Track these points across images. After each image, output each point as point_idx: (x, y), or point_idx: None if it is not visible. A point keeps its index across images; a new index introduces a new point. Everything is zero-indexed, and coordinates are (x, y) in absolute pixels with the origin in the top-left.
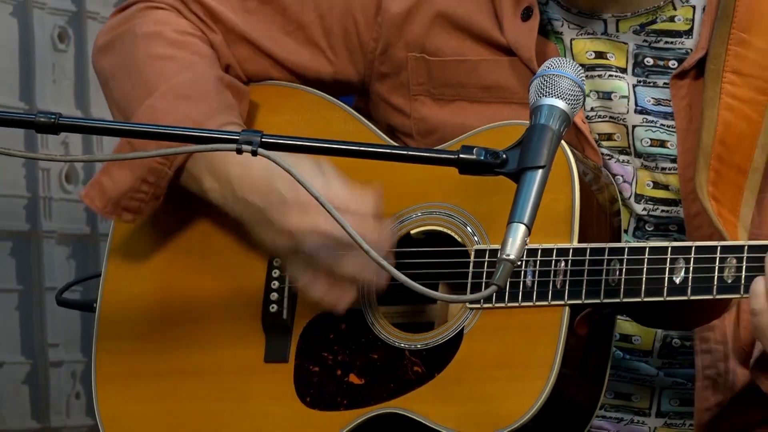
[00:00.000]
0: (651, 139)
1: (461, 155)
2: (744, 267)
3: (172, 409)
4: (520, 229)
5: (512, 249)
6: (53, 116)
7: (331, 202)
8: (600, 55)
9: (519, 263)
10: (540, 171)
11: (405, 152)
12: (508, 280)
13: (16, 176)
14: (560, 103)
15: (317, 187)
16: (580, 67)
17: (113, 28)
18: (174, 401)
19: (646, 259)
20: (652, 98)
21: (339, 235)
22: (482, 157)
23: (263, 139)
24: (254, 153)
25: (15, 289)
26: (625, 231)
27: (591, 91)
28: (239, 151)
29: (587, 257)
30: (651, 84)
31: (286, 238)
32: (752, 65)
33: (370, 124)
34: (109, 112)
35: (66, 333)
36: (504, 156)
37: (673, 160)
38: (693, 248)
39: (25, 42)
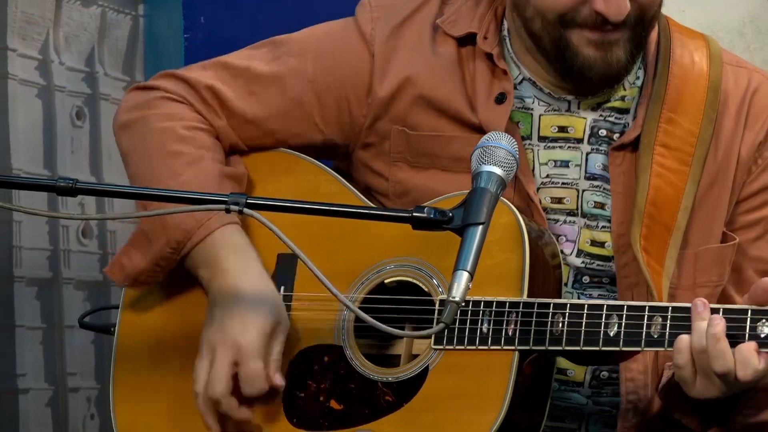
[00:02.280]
0: (595, 202)
1: (414, 213)
2: (668, 324)
3: (179, 423)
4: (464, 276)
5: (457, 292)
6: (71, 181)
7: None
8: (562, 129)
9: (476, 311)
10: (480, 226)
11: (369, 211)
12: (466, 324)
13: (40, 232)
14: (497, 170)
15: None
16: (513, 139)
17: (133, 108)
18: (181, 417)
19: (585, 314)
20: (601, 164)
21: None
22: (432, 215)
23: (248, 200)
24: (240, 212)
25: (39, 326)
26: (565, 284)
27: (549, 160)
28: (228, 210)
29: (535, 310)
30: (602, 152)
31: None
32: (678, 140)
33: (350, 186)
34: (118, 178)
35: (82, 364)
36: (450, 214)
37: (608, 220)
38: (625, 306)
39: (48, 119)
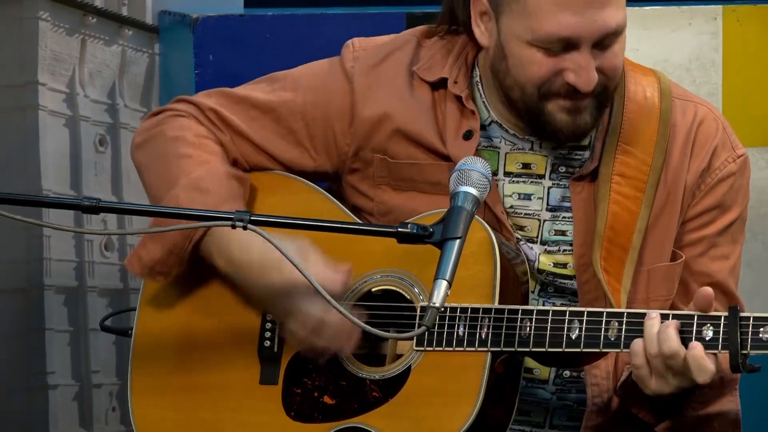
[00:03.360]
0: (555, 230)
1: (399, 229)
2: (624, 329)
3: (190, 416)
4: (443, 284)
5: (437, 299)
6: (95, 201)
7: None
8: (526, 165)
9: (453, 317)
10: (457, 240)
11: (361, 227)
12: (444, 328)
13: (67, 245)
14: (472, 190)
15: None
16: (487, 164)
17: (147, 129)
18: (192, 410)
19: (549, 320)
20: (560, 196)
21: (314, 318)
22: (415, 230)
23: (251, 218)
24: (244, 228)
25: (67, 330)
26: (532, 291)
27: (514, 192)
28: (233, 227)
29: (505, 316)
30: (562, 186)
31: (277, 314)
32: (633, 169)
33: (340, 204)
34: (136, 198)
35: (105, 363)
36: (431, 230)
37: (570, 244)
38: (585, 313)
39: (74, 146)
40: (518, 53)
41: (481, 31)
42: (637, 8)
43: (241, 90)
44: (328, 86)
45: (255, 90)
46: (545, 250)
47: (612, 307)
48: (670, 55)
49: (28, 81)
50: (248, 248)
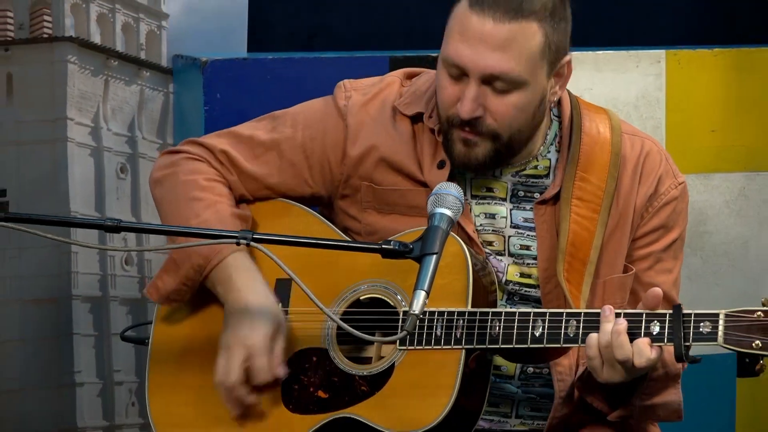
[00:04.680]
0: (520, 245)
1: (383, 246)
2: (581, 326)
3: (200, 410)
4: (422, 294)
5: (416, 307)
6: (116, 221)
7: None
8: (489, 189)
9: (432, 319)
10: (434, 255)
11: (351, 244)
12: (424, 330)
13: (92, 260)
14: (447, 212)
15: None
16: (460, 188)
17: (165, 166)
18: (201, 405)
19: (516, 320)
20: (523, 218)
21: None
22: (397, 247)
23: (254, 236)
24: (248, 245)
25: (92, 334)
26: (501, 301)
27: (481, 212)
28: (238, 244)
29: (477, 317)
30: (522, 208)
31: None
32: (589, 194)
33: (333, 225)
34: (152, 219)
35: (125, 363)
36: (411, 246)
37: (534, 258)
38: (547, 313)
39: (98, 173)
40: (438, 74)
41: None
42: (590, 52)
43: (246, 129)
44: (323, 123)
45: (258, 129)
46: (513, 261)
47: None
48: (619, 94)
49: (58, 116)
50: (246, 292)
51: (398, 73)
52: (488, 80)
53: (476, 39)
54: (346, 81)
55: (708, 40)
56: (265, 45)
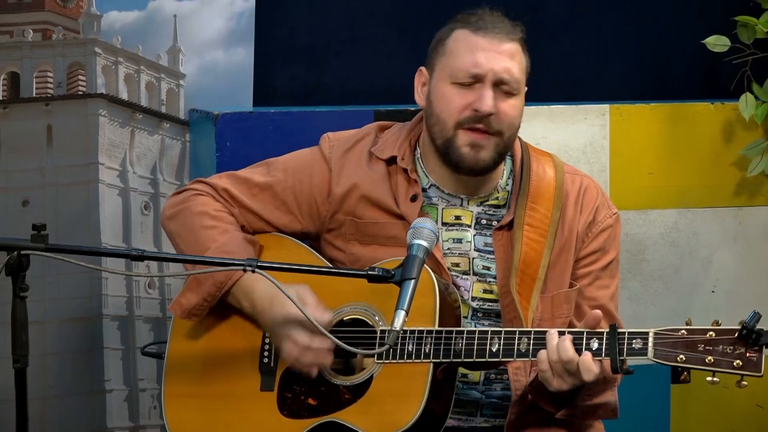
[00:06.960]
0: (483, 266)
1: (369, 272)
2: (531, 343)
3: (209, 416)
4: (402, 313)
5: (397, 324)
6: (140, 251)
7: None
8: (458, 217)
9: (404, 337)
10: (412, 280)
11: (338, 271)
12: (398, 345)
13: (120, 284)
14: (423, 243)
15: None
16: (434, 223)
17: (175, 204)
18: (210, 412)
19: (476, 338)
20: (484, 242)
21: (303, 342)
22: (380, 273)
23: (258, 264)
24: (253, 271)
25: (119, 348)
26: (465, 317)
27: (450, 238)
28: (244, 270)
29: (443, 336)
30: (483, 234)
31: (277, 338)
32: (537, 221)
33: (320, 255)
34: (172, 249)
35: (147, 372)
36: (392, 272)
37: (494, 276)
38: (503, 332)
39: (125, 210)
40: (441, 91)
41: (420, 97)
42: (544, 106)
43: (244, 173)
44: (311, 168)
45: (254, 173)
46: (477, 279)
47: (522, 320)
48: (570, 142)
49: (90, 161)
50: (265, 294)
51: (373, 126)
52: (498, 83)
53: (490, 49)
54: (329, 133)
55: (646, 96)
56: (269, 100)
